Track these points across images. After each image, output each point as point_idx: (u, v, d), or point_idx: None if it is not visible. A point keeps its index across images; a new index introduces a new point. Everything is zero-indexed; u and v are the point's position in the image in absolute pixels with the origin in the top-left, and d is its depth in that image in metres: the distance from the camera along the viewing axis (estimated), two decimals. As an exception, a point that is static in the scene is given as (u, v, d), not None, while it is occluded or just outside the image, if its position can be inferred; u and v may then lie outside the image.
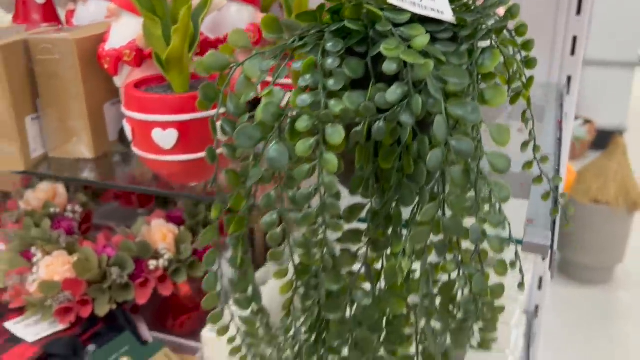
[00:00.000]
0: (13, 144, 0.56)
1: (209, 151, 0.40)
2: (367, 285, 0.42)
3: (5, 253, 0.75)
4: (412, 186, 0.39)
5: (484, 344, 0.47)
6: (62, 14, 0.70)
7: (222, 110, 0.41)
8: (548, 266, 0.86)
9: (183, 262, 0.76)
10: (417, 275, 0.41)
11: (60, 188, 0.82)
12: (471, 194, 0.37)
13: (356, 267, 0.42)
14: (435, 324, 0.42)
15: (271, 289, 0.75)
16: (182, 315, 0.85)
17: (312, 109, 0.36)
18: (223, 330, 0.44)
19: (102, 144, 0.60)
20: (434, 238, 0.39)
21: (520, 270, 0.40)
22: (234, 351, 0.47)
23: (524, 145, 0.48)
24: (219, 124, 0.40)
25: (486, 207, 0.37)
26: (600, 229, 2.15)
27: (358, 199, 0.40)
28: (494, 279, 0.40)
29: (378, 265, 0.42)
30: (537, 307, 0.96)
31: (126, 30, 0.54)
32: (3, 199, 0.87)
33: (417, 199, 0.39)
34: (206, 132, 0.48)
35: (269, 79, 0.39)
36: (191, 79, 0.51)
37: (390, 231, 0.41)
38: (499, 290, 0.40)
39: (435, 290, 0.42)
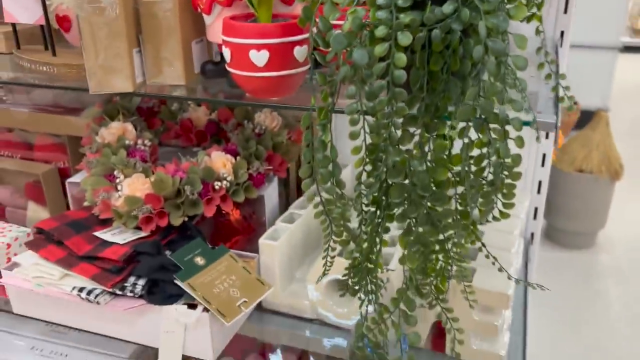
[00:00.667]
0: (125, 71, 0.70)
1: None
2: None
3: (89, 178, 0.89)
4: (457, 81, 0.54)
5: (503, 215, 0.62)
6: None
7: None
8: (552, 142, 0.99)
9: (241, 184, 0.91)
10: (457, 150, 0.56)
11: (129, 126, 0.96)
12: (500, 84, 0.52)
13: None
14: (470, 190, 0.57)
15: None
16: (234, 237, 1.00)
17: (387, 20, 0.51)
18: (312, 197, 0.59)
19: (190, 74, 0.74)
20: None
21: (537, 129, 0.55)
22: (318, 215, 0.62)
23: (540, 65, 0.63)
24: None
25: (513, 94, 0.52)
26: (584, 196, 2.32)
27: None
28: (514, 150, 0.55)
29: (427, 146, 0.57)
30: (532, 235, 1.11)
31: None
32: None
33: (459, 91, 0.54)
34: (289, 54, 0.63)
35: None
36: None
37: (437, 118, 0.56)
38: (518, 159, 0.55)
39: (471, 161, 0.57)
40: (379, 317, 0.67)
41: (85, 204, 0.89)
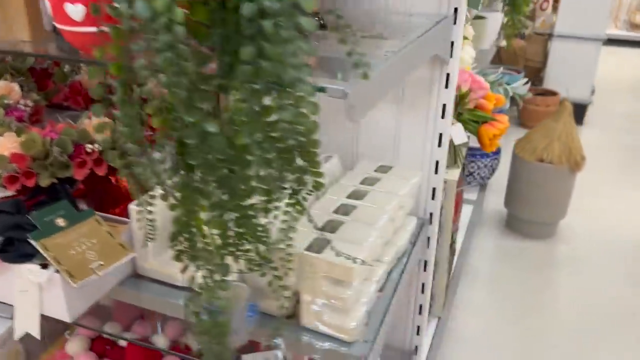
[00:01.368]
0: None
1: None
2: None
3: (-35, 135, 0.89)
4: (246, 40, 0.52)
5: (318, 185, 0.61)
6: None
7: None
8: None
9: (117, 148, 0.90)
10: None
11: (16, 86, 0.96)
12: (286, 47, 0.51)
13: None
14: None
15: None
16: (123, 203, 1.00)
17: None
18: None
19: (38, 31, 0.74)
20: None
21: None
22: (123, 173, 0.61)
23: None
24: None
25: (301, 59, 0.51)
26: (545, 186, 2.30)
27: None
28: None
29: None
30: (431, 215, 1.10)
31: None
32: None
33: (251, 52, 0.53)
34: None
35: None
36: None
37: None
38: (312, 125, 0.54)
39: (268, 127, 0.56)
40: (204, 283, 0.67)
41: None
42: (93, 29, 0.62)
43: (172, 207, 0.60)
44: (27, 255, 0.80)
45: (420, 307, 1.20)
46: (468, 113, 1.69)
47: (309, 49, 0.52)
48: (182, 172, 0.60)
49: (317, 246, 0.80)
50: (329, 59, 0.65)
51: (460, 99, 1.65)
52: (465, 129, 1.63)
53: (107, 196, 1.01)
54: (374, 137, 1.11)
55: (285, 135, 0.55)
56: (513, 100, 2.36)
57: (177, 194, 0.61)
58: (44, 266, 0.79)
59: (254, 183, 0.58)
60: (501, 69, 2.35)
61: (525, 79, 2.38)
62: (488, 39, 2.39)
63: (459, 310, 1.91)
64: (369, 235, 0.82)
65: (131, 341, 1.13)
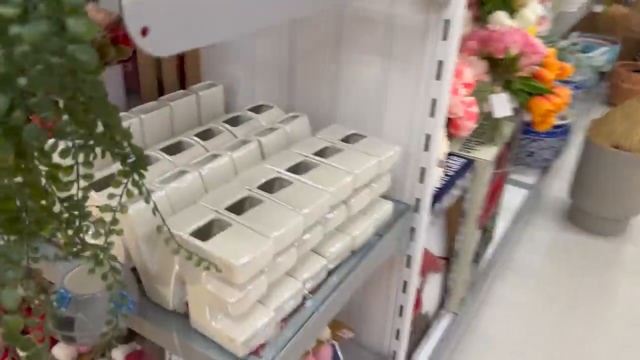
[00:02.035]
0: None
1: None
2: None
3: None
4: None
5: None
6: None
7: None
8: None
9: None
10: None
11: None
12: None
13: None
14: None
15: None
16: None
17: None
18: None
19: None
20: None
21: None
22: None
23: None
24: None
25: None
26: (619, 177, 1.95)
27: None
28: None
29: None
30: (418, 201, 0.88)
31: None
32: None
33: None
34: None
35: None
36: None
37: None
38: (89, 57, 0.36)
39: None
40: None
41: None
42: None
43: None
44: None
45: (401, 308, 0.99)
46: (520, 82, 1.40)
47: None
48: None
49: (208, 230, 0.62)
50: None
51: (509, 64, 1.37)
52: (517, 101, 1.36)
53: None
54: (356, 98, 0.90)
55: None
56: (603, 75, 1.99)
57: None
58: None
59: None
60: (576, 35, 1.98)
61: (607, 49, 2.00)
62: (576, 0, 2.03)
63: (488, 307, 1.66)
64: (286, 221, 0.62)
65: None
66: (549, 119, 1.40)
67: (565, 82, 2.05)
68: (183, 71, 1.01)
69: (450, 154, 1.24)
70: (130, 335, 0.93)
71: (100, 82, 0.37)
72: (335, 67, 0.89)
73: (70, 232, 0.47)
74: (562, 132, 2.09)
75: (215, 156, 0.75)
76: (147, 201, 0.47)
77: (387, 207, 0.84)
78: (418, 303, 1.29)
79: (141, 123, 0.84)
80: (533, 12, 1.53)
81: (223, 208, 0.64)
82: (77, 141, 0.42)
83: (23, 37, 0.32)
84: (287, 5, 0.42)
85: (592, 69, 1.89)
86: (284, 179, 0.71)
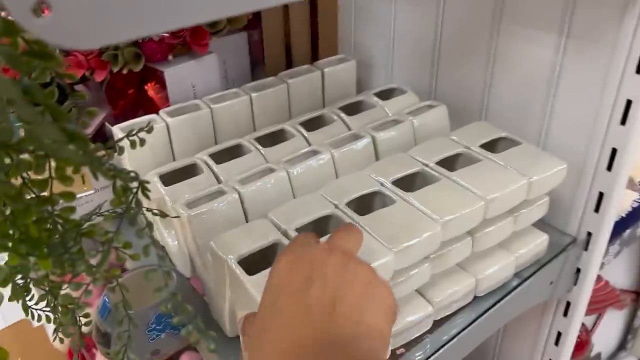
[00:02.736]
0: None
1: None
2: None
3: None
4: None
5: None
6: None
7: None
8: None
9: (121, 51, 0.69)
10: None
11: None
12: None
13: None
14: None
15: None
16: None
17: None
18: None
19: None
20: None
21: None
22: None
23: None
24: None
25: None
26: None
27: None
28: None
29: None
30: (589, 236, 0.65)
31: None
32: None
33: None
34: None
35: None
36: None
37: None
38: None
39: None
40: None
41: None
42: None
43: None
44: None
45: (551, 364, 0.76)
46: None
47: None
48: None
49: (268, 254, 0.48)
50: None
51: None
52: None
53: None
54: (514, 88, 0.67)
55: None
56: None
57: None
58: None
59: None
60: None
61: None
62: None
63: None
64: (377, 256, 0.46)
65: None
66: None
67: None
68: (317, 42, 0.87)
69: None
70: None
71: (6, 82, 0.25)
72: (493, 45, 0.67)
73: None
74: None
75: (314, 152, 0.61)
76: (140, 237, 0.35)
77: (539, 241, 0.62)
78: (584, 345, 1.02)
79: (251, 102, 0.72)
80: None
81: (293, 229, 0.50)
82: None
83: None
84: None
85: None
86: (385, 196, 0.54)
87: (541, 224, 0.64)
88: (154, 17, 0.23)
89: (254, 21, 0.84)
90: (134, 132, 0.40)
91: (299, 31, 0.85)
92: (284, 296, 0.34)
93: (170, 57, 0.74)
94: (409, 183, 0.56)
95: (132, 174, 0.33)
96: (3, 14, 0.25)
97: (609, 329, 1.12)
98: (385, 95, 0.73)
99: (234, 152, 0.64)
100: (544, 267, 0.63)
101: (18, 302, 0.42)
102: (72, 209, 0.34)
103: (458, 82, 0.73)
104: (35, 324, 1.05)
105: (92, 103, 0.80)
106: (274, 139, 0.67)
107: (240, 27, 0.81)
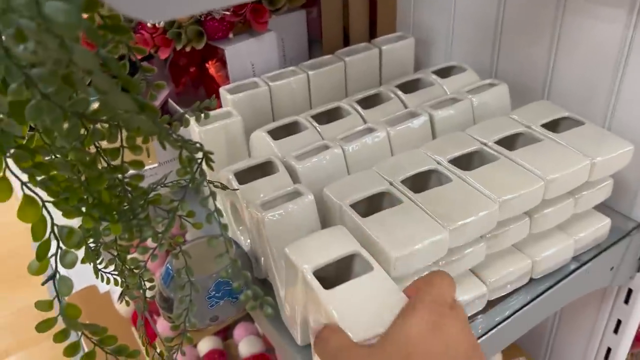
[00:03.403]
0: None
1: None
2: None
3: None
4: None
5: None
6: None
7: None
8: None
9: (184, 28, 0.71)
10: None
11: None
12: None
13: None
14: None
15: None
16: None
17: None
18: None
19: None
20: None
21: None
22: None
23: None
24: None
25: None
26: None
27: None
28: None
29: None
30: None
31: None
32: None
33: None
34: None
35: None
36: None
37: None
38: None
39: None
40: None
41: None
42: None
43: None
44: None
45: (609, 350, 0.74)
46: None
47: None
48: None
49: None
50: None
51: None
52: None
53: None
54: (581, 66, 0.65)
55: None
56: None
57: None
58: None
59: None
60: None
61: None
62: None
63: None
64: (427, 233, 0.46)
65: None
66: None
67: None
68: (375, 20, 0.87)
69: None
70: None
71: (87, 52, 0.26)
72: (558, 22, 0.65)
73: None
74: None
75: (370, 130, 0.61)
76: (202, 205, 0.37)
77: (600, 225, 0.60)
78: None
79: (308, 80, 0.73)
80: None
81: (348, 205, 0.51)
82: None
83: None
84: None
85: None
86: (442, 174, 0.54)
87: (604, 208, 0.62)
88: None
89: (312, -1, 0.84)
90: (199, 106, 0.41)
91: (357, 9, 0.85)
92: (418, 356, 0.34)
93: (230, 35, 0.76)
94: (466, 162, 0.56)
95: (197, 145, 0.35)
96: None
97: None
98: (444, 73, 0.72)
99: (291, 129, 0.65)
100: (605, 251, 0.61)
101: (90, 264, 0.45)
102: (141, 177, 0.36)
103: (520, 60, 0.72)
104: (102, 289, 1.11)
105: (155, 81, 0.83)
106: (329, 116, 0.67)
107: (299, 5, 0.81)
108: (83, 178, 0.35)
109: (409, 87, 0.71)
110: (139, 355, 0.45)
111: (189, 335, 0.44)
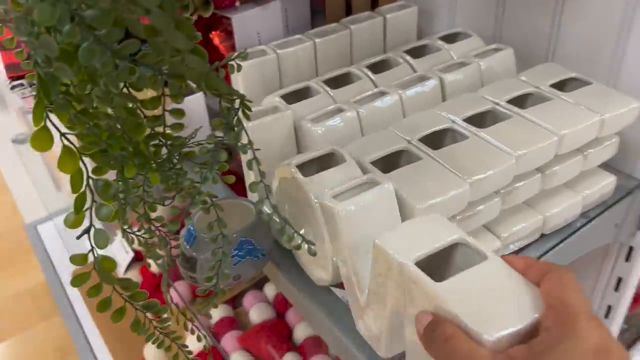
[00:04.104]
0: None
1: None
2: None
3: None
4: None
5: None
6: None
7: None
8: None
9: (192, -2, 0.71)
10: None
11: None
12: None
13: None
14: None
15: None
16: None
17: None
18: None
19: None
20: None
21: None
22: None
23: None
24: None
25: None
26: None
27: None
28: None
29: None
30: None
31: None
32: None
33: None
34: None
35: None
36: None
37: None
38: None
39: None
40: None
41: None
42: None
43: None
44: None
45: (609, 308, 0.77)
46: None
47: None
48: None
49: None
50: None
51: None
52: None
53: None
54: (585, 28, 0.66)
55: None
56: None
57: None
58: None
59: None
60: None
61: None
62: None
63: None
64: (448, 187, 0.47)
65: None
66: None
67: None
68: (376, -11, 0.87)
69: None
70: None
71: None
72: (563, -14, 0.66)
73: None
74: None
75: (382, 93, 0.62)
76: (243, 150, 0.38)
77: (605, 182, 0.62)
78: (641, 299, 1.02)
79: (315, 48, 0.74)
80: None
81: (368, 162, 0.52)
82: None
83: None
84: None
85: None
86: (457, 132, 0.55)
87: (608, 168, 0.64)
88: None
89: (315, -31, 0.84)
90: (237, 56, 0.42)
91: (359, -22, 0.85)
92: None
93: (237, 4, 0.76)
94: (479, 121, 0.57)
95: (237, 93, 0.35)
96: None
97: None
98: (450, 39, 0.73)
99: (302, 94, 0.66)
100: (610, 208, 0.63)
101: (119, 222, 0.46)
102: (181, 126, 0.36)
103: (524, 25, 0.73)
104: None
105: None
106: (339, 82, 0.68)
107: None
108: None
109: (417, 52, 0.72)
110: (167, 312, 0.46)
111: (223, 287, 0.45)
